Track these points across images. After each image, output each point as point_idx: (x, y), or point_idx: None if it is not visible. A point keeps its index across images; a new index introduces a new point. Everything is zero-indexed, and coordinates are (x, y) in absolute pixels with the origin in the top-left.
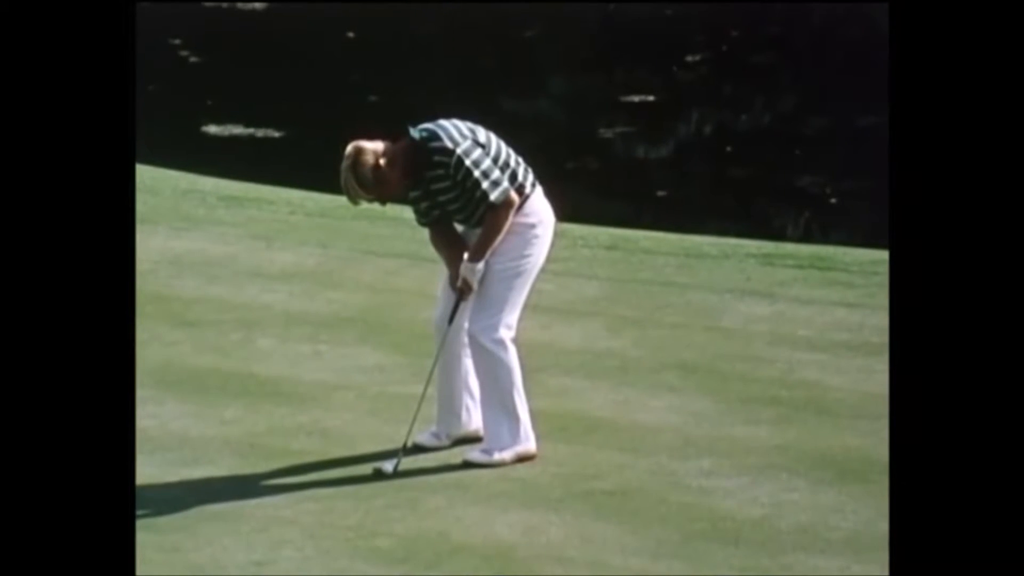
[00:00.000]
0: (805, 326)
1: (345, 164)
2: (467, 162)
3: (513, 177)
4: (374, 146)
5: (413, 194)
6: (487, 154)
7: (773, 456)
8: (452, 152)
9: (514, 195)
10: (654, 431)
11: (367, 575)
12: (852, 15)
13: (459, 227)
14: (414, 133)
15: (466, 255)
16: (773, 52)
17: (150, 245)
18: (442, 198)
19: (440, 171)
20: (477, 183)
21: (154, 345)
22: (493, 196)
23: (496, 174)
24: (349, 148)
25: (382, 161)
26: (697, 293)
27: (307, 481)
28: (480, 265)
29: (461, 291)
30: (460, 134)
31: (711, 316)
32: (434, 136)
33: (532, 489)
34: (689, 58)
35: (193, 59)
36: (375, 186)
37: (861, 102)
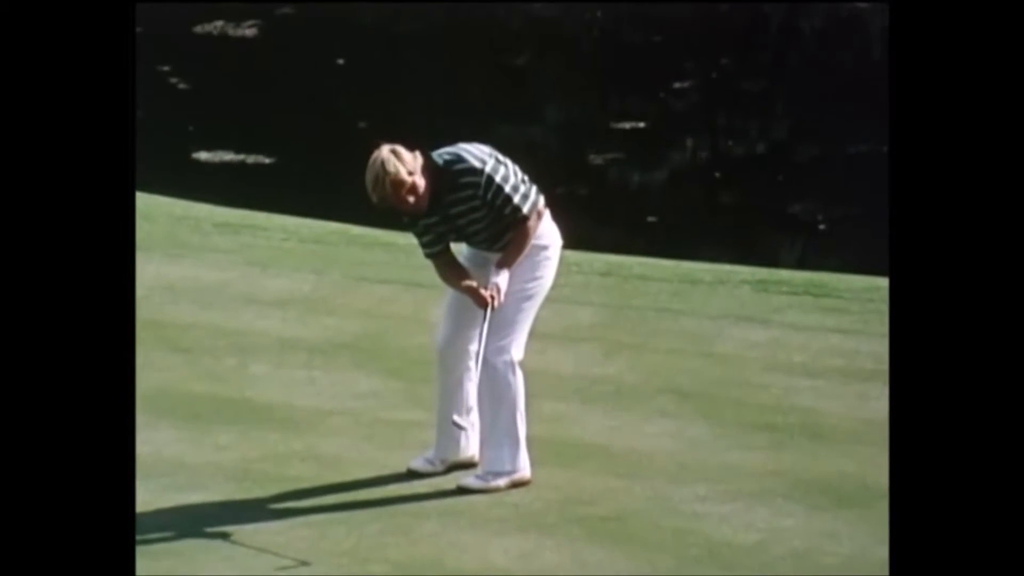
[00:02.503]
0: (800, 352)
1: (384, 156)
2: (497, 179)
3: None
4: (411, 156)
5: (428, 220)
6: (510, 172)
7: (768, 482)
8: (481, 171)
9: (542, 206)
10: (649, 456)
11: None
12: (844, 42)
13: (464, 248)
14: (436, 158)
15: (495, 265)
16: (764, 79)
17: (145, 272)
18: (464, 220)
19: (468, 192)
20: (509, 198)
21: (149, 371)
22: (525, 208)
23: (524, 187)
24: (386, 148)
25: (417, 176)
26: (691, 319)
27: (301, 507)
28: (507, 275)
29: (492, 298)
30: (483, 155)
31: (705, 342)
32: (459, 159)
33: (526, 514)
34: (678, 85)
35: (183, 86)
36: (403, 189)
37: (852, 130)
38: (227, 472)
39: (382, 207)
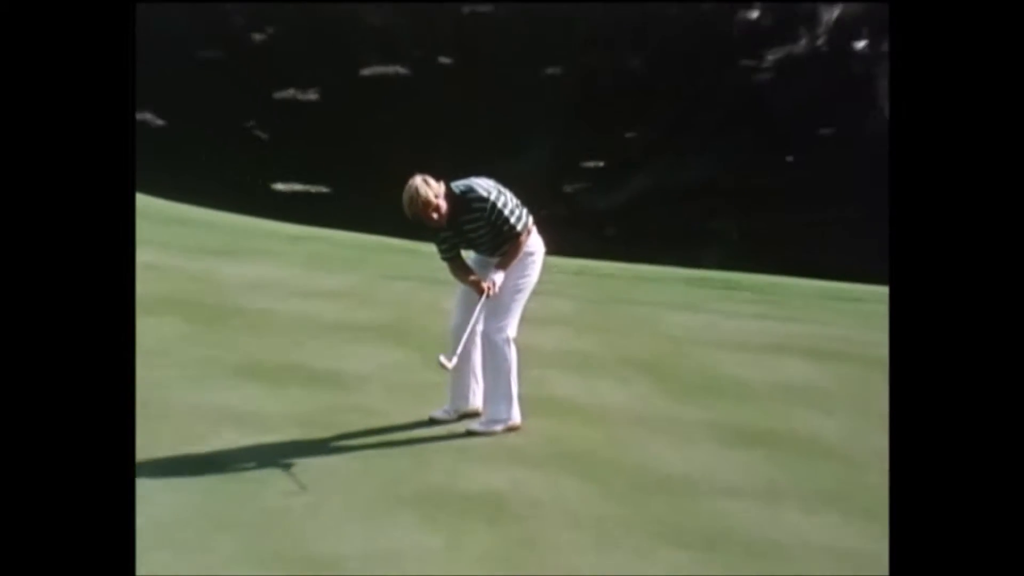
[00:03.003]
0: (726, 333)
1: (417, 184)
2: (499, 205)
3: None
4: (437, 184)
5: (445, 233)
6: (507, 199)
7: (703, 429)
8: (487, 199)
9: (531, 224)
10: (611, 410)
11: (392, 515)
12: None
13: (471, 255)
14: (454, 188)
15: (494, 267)
16: (694, 135)
17: (232, 271)
18: (473, 234)
19: (477, 214)
20: (507, 219)
21: (237, 346)
22: (518, 227)
23: (517, 211)
24: (419, 178)
25: (440, 199)
26: (642, 307)
27: (350, 446)
28: (502, 274)
29: (488, 290)
30: (488, 186)
31: (653, 325)
32: (471, 189)
33: (519, 452)
34: (628, 135)
35: (263, 136)
36: (430, 208)
37: (762, 163)
38: (296, 420)
39: (413, 221)
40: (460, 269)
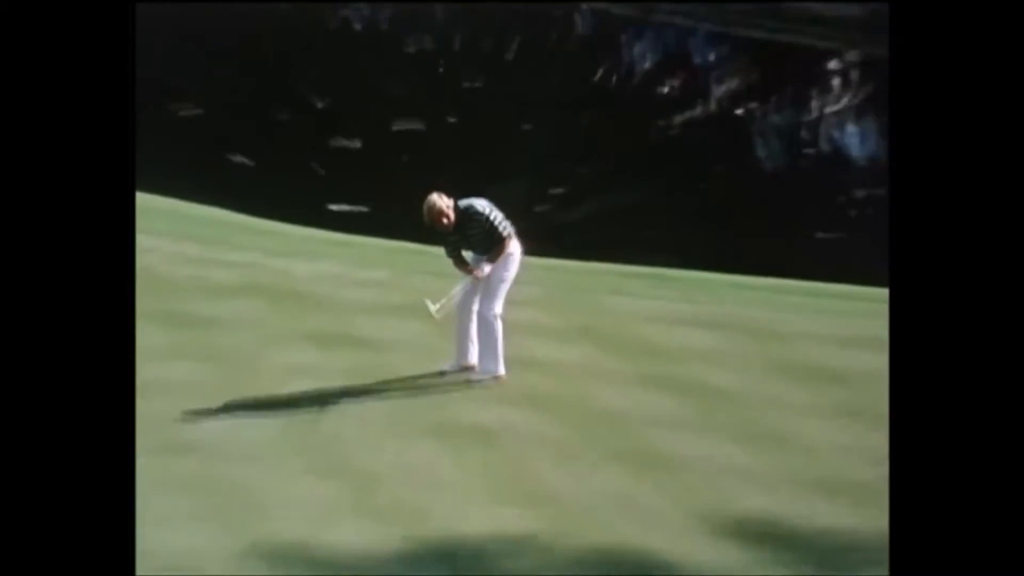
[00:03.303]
0: (650, 311)
1: (434, 199)
2: (491, 219)
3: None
4: (447, 200)
5: (452, 238)
6: (498, 215)
7: (633, 378)
8: (483, 214)
9: (512, 233)
10: (568, 365)
11: (414, 439)
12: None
13: (470, 254)
14: (460, 204)
15: (485, 261)
16: (640, 158)
17: (300, 268)
18: (473, 239)
19: (476, 224)
20: (496, 228)
21: (304, 321)
22: (504, 234)
23: (504, 224)
24: (435, 194)
25: (450, 211)
26: (592, 294)
27: (383, 390)
28: (490, 266)
29: (478, 275)
30: (484, 205)
31: (599, 306)
32: (472, 207)
33: (502, 395)
34: (582, 170)
35: (321, 171)
36: (442, 216)
37: (684, 187)
38: (345, 373)
39: (428, 226)
40: (460, 263)
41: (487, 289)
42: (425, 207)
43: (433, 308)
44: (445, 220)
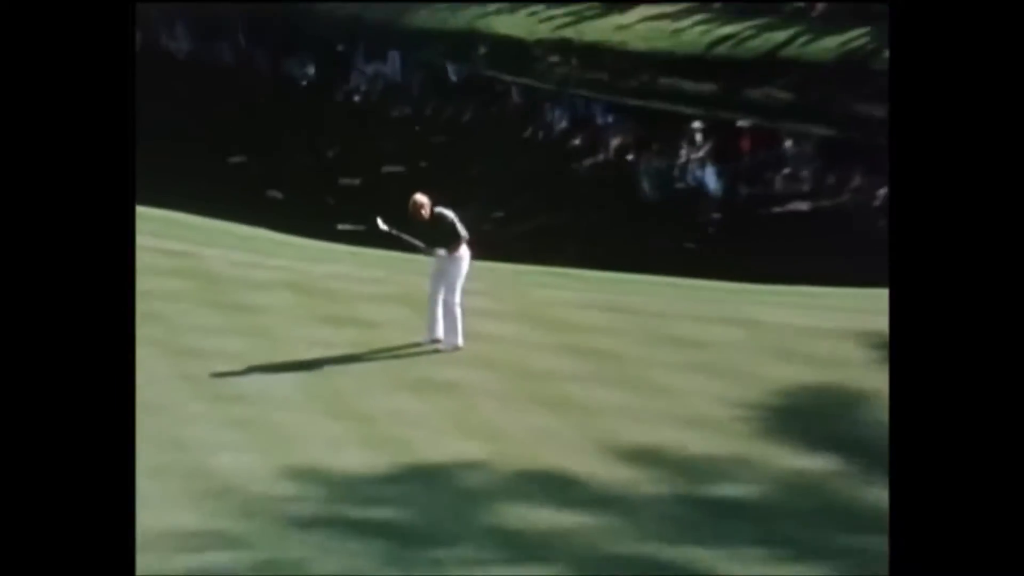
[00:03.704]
0: (564, 299)
1: (419, 196)
2: (456, 225)
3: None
4: (428, 201)
5: (424, 230)
6: (458, 222)
7: (553, 346)
8: (451, 221)
9: (467, 237)
10: (507, 337)
11: (398, 391)
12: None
13: (441, 251)
14: (436, 210)
15: (445, 250)
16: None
17: (319, 269)
18: (439, 235)
19: (444, 226)
20: (458, 231)
21: (320, 308)
22: (464, 236)
23: (462, 229)
24: (420, 194)
25: (428, 208)
26: (525, 288)
27: (377, 356)
28: (444, 251)
29: (438, 255)
30: (452, 215)
31: (528, 296)
32: (444, 213)
33: (461, 359)
34: (520, 199)
35: (332, 202)
36: (423, 209)
37: (584, 209)
38: (350, 344)
39: (410, 217)
40: (427, 248)
41: (448, 284)
42: (412, 200)
43: (383, 225)
44: (423, 212)
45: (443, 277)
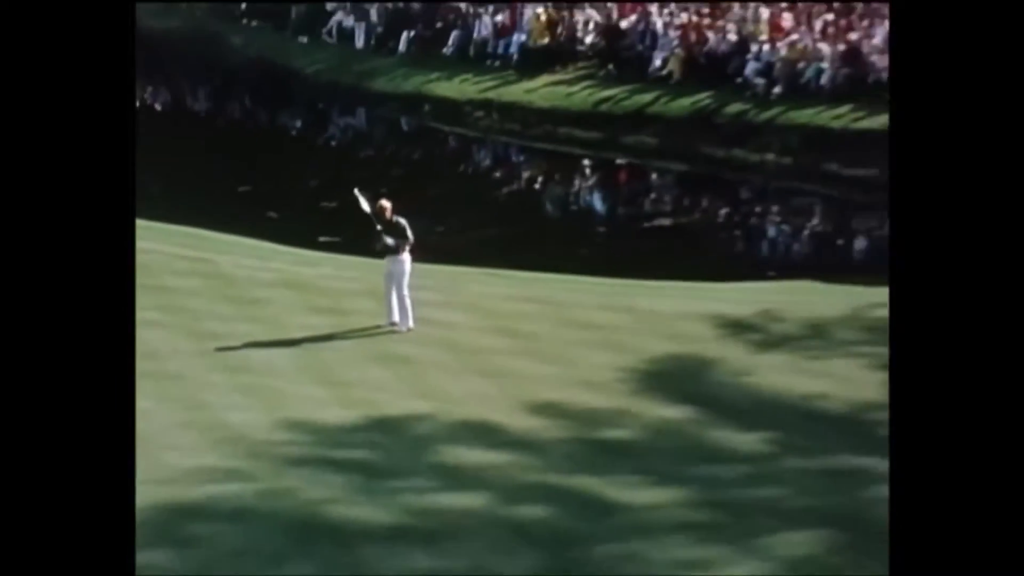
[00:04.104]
0: (495, 293)
1: (385, 201)
2: (407, 230)
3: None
4: (391, 206)
5: (386, 234)
6: (408, 230)
7: (488, 329)
8: (404, 226)
9: (413, 241)
10: (449, 322)
11: (367, 363)
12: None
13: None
14: (395, 217)
15: (395, 246)
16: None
17: (309, 271)
18: (393, 236)
19: (397, 229)
20: (407, 236)
21: (311, 301)
22: (411, 240)
23: (411, 234)
24: (386, 199)
25: (389, 211)
26: (464, 284)
27: (350, 335)
28: (393, 242)
29: (389, 247)
30: (404, 222)
31: (466, 290)
32: (400, 220)
33: (413, 339)
34: (451, 220)
35: (316, 220)
36: (386, 212)
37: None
38: (330, 327)
39: (374, 216)
40: (383, 244)
41: (397, 281)
42: (378, 203)
43: (363, 201)
44: (386, 214)
45: (393, 275)
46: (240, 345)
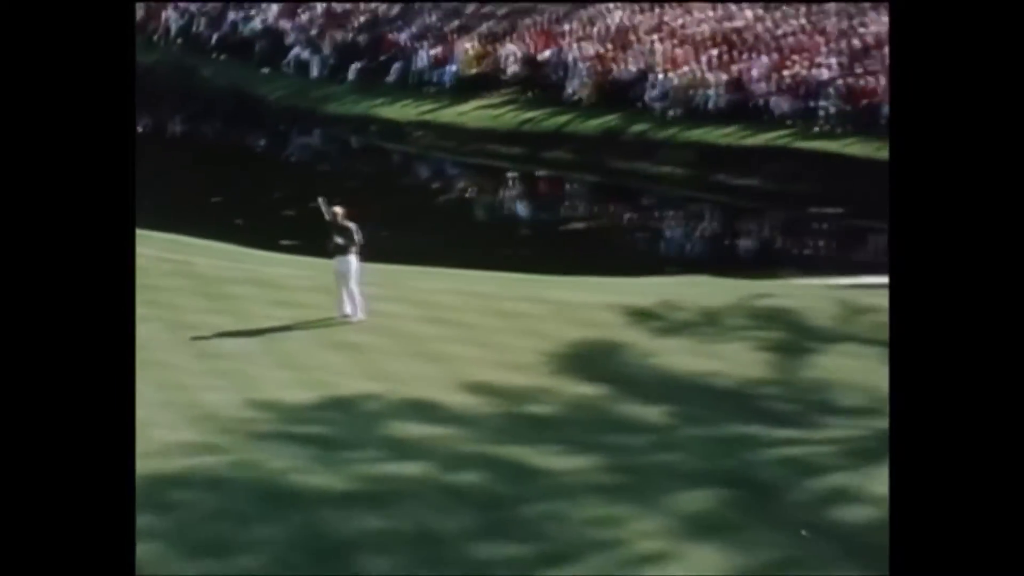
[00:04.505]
0: (434, 288)
1: (338, 208)
2: (356, 235)
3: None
4: (344, 213)
5: (337, 237)
6: (358, 234)
7: (425, 319)
8: (353, 230)
9: (361, 243)
10: (392, 313)
11: (324, 351)
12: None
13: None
14: (345, 222)
15: (349, 252)
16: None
17: (270, 270)
18: (343, 239)
19: (347, 233)
20: (356, 238)
21: (273, 296)
22: (359, 241)
23: (359, 236)
24: (341, 207)
25: (340, 217)
26: (405, 280)
27: (309, 326)
28: (343, 240)
29: (341, 271)
30: (355, 226)
31: (408, 285)
32: (349, 224)
33: (363, 328)
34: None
35: (280, 227)
36: (338, 217)
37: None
38: (291, 319)
39: (329, 219)
40: (335, 245)
41: (346, 278)
42: (337, 207)
43: (324, 208)
44: (339, 219)
45: (343, 273)
46: (213, 335)
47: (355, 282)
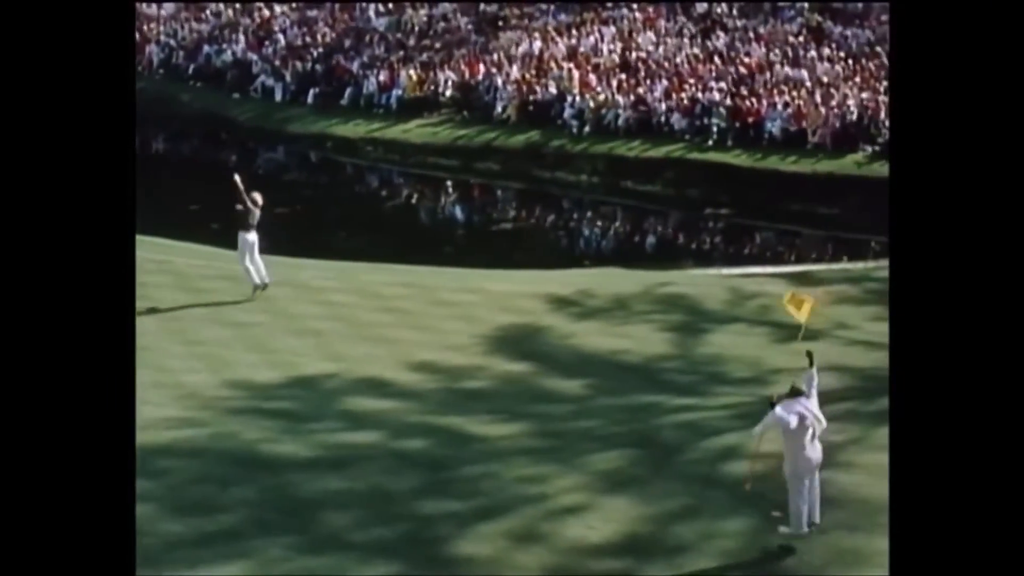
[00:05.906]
0: (381, 281)
1: (256, 194)
2: (257, 215)
3: None
4: (260, 199)
5: (251, 213)
6: (256, 214)
7: (372, 307)
8: (258, 211)
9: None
10: (341, 302)
11: (287, 335)
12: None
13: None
14: (257, 206)
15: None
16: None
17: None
18: (254, 218)
19: (255, 215)
20: (257, 217)
21: (242, 292)
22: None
23: (257, 218)
24: (257, 193)
25: (259, 202)
26: (353, 275)
27: (273, 314)
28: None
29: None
30: (258, 210)
31: (358, 279)
32: (258, 205)
33: (321, 316)
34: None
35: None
36: (256, 203)
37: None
38: (261, 310)
39: (252, 203)
40: (252, 219)
41: (253, 249)
42: (251, 194)
43: (240, 186)
44: (257, 204)
45: (251, 244)
46: (192, 323)
47: (255, 257)
